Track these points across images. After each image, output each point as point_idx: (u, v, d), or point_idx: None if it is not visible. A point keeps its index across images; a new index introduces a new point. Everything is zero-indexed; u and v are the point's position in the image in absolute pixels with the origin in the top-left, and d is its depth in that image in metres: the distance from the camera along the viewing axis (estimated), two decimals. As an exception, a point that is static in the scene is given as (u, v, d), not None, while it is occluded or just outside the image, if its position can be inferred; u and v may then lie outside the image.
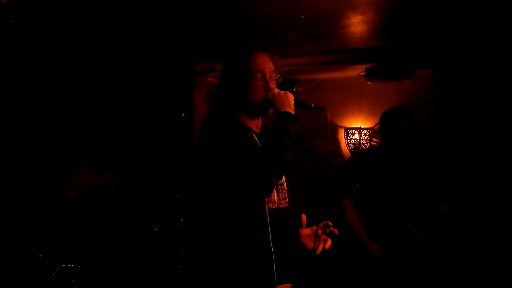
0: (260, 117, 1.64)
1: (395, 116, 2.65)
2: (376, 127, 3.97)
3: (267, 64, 1.58)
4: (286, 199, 1.63)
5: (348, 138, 4.01)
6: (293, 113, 1.52)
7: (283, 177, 1.65)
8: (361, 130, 3.96)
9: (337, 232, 1.65)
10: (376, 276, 2.53)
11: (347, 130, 4.04)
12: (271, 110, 1.57)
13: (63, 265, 2.54)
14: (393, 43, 3.19)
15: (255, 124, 1.62)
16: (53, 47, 3.34)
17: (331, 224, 1.66)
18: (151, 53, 3.65)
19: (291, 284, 1.57)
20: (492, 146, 3.30)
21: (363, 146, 3.94)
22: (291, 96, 1.55)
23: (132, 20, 2.84)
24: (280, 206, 1.58)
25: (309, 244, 1.67)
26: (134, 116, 4.09)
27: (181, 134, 3.99)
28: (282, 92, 1.54)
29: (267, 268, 1.48)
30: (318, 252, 1.63)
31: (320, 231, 1.67)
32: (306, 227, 1.70)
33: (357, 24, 2.76)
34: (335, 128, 4.14)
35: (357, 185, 2.54)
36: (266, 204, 1.52)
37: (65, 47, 3.37)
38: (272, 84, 1.57)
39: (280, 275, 1.51)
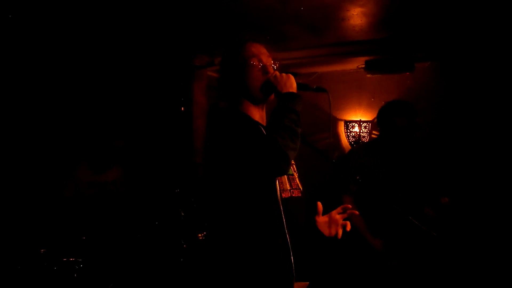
0: (264, 107, 1.63)
1: (394, 113, 2.60)
2: (376, 120, 3.97)
3: (262, 50, 1.58)
4: (298, 188, 1.61)
5: (348, 131, 4.01)
6: (296, 92, 1.52)
7: (293, 165, 1.64)
8: (361, 123, 3.96)
9: (357, 212, 1.66)
10: (378, 269, 2.54)
11: (347, 123, 4.04)
12: (273, 95, 1.56)
13: (65, 259, 2.55)
14: (393, 36, 3.17)
15: (260, 116, 1.61)
16: (52, 44, 3.33)
17: (350, 206, 1.66)
18: (150, 48, 3.64)
19: (308, 283, 1.55)
20: (491, 138, 3.31)
21: (363, 139, 3.95)
22: (293, 78, 1.54)
23: (131, 15, 2.83)
24: (293, 195, 1.56)
25: (327, 231, 1.66)
26: (134, 111, 4.09)
27: (181, 128, 3.99)
28: (283, 74, 1.53)
29: (285, 259, 1.46)
30: (340, 236, 1.63)
31: (338, 216, 1.67)
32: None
33: (356, 16, 2.75)
34: (335, 121, 4.14)
35: (357, 177, 2.54)
36: (279, 194, 1.50)
37: (64, 44, 3.36)
38: (271, 68, 1.57)
39: (298, 266, 1.49)
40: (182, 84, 3.98)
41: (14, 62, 3.34)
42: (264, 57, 1.57)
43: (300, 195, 1.60)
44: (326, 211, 1.68)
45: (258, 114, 1.60)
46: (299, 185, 1.62)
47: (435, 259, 2.59)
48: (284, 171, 1.40)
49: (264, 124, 1.60)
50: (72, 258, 2.57)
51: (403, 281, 2.48)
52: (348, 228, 1.64)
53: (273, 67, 1.59)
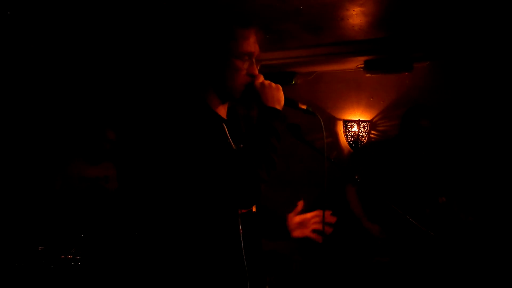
0: (227, 103, 1.39)
1: (420, 115, 2.71)
2: (374, 120, 3.98)
3: (256, 47, 1.32)
4: None
5: (347, 130, 4.01)
6: (281, 110, 1.31)
7: None
8: (360, 123, 3.96)
9: (334, 220, 1.52)
10: (370, 264, 2.58)
11: (345, 122, 4.04)
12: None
13: (62, 257, 2.55)
14: (392, 35, 3.18)
15: (223, 109, 1.38)
16: (46, 38, 3.31)
17: (331, 212, 1.53)
18: (145, 44, 3.63)
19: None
20: (490, 139, 3.31)
21: (362, 139, 3.95)
22: (281, 91, 1.33)
23: (126, 11, 2.82)
24: (252, 209, 1.39)
25: (296, 233, 1.54)
26: (128, 107, 4.06)
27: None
28: (273, 84, 1.32)
29: (240, 281, 1.29)
30: (316, 238, 1.52)
31: (312, 220, 1.55)
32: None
33: (356, 16, 2.75)
34: (334, 120, 4.13)
35: (356, 176, 2.55)
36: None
37: (57, 38, 3.34)
38: (256, 70, 1.32)
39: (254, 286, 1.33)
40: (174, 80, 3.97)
41: (4, 55, 3.33)
42: (256, 55, 1.32)
43: (253, 210, 1.41)
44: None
45: (222, 108, 1.37)
46: None
47: (431, 257, 2.60)
48: (250, 207, 1.26)
49: (226, 118, 1.39)
50: (65, 256, 2.56)
51: (396, 278, 2.50)
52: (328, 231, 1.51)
53: (257, 66, 1.35)
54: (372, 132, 3.99)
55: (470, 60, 3.43)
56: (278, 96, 1.31)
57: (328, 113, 4.13)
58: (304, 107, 1.41)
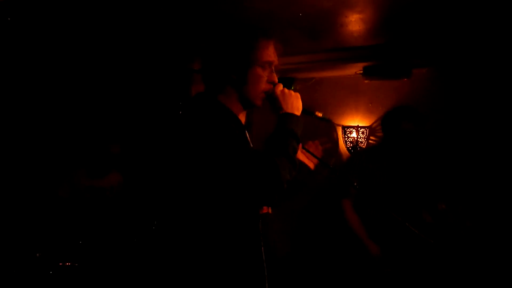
0: (247, 110, 1.49)
1: (402, 117, 2.54)
2: (373, 125, 3.98)
3: (276, 56, 1.43)
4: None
5: (346, 136, 4.01)
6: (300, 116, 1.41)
7: None
8: (359, 129, 3.97)
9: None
10: (373, 275, 2.53)
11: (344, 128, 4.04)
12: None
13: (60, 264, 2.54)
14: (391, 41, 3.19)
15: (243, 117, 1.48)
16: (53, 48, 3.33)
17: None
18: (148, 51, 3.64)
19: None
20: (490, 145, 3.31)
21: (361, 145, 3.95)
22: (300, 99, 1.44)
23: (129, 18, 2.83)
24: (269, 212, 1.53)
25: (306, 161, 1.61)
26: (132, 115, 4.08)
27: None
28: (292, 92, 1.43)
29: (259, 280, 1.35)
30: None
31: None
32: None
33: (355, 22, 2.76)
34: (333, 126, 4.14)
35: (355, 183, 2.53)
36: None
37: (64, 47, 3.35)
38: (276, 78, 1.44)
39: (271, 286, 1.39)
40: (180, 88, 3.98)
41: (14, 64, 3.34)
42: (275, 64, 1.43)
43: (270, 212, 1.57)
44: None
45: (242, 116, 1.46)
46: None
47: (432, 265, 2.59)
48: (276, 204, 1.32)
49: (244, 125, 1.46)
50: (68, 263, 2.55)
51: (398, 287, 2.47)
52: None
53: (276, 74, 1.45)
54: (371, 138, 3.99)
55: (468, 65, 3.44)
56: (297, 104, 1.42)
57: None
58: (320, 115, 1.53)
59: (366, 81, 3.81)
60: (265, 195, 1.21)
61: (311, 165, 1.62)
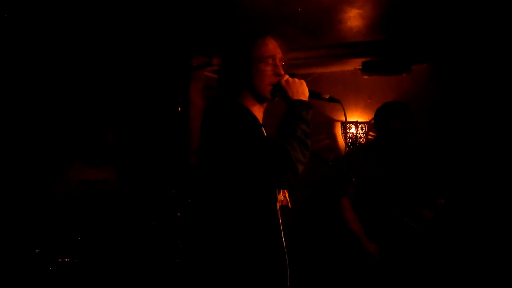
0: (264, 106, 1.57)
1: (390, 114, 2.53)
2: (372, 121, 3.98)
3: (278, 49, 1.53)
4: (286, 197, 1.65)
5: (345, 132, 4.02)
6: (307, 100, 1.46)
7: None
8: (358, 124, 3.97)
9: None
10: (374, 271, 2.53)
11: (343, 124, 4.05)
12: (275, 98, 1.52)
13: (60, 260, 2.54)
14: (390, 37, 3.19)
15: (259, 114, 1.55)
16: (48, 40, 3.30)
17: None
18: (147, 48, 3.63)
19: None
20: (488, 141, 3.32)
21: (360, 140, 3.95)
22: (305, 84, 1.49)
23: (128, 15, 2.82)
24: (284, 204, 1.60)
25: None
26: (130, 110, 4.07)
27: (177, 129, 3.98)
28: (296, 79, 1.49)
29: (281, 268, 1.45)
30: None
31: None
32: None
33: (354, 18, 2.75)
34: (332, 122, 4.14)
35: (353, 179, 2.52)
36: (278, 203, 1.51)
37: (61, 41, 3.34)
38: (282, 70, 1.51)
39: (293, 274, 1.48)
40: (179, 85, 3.98)
41: (4, 55, 3.31)
42: (278, 57, 1.51)
43: (289, 206, 1.65)
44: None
45: (259, 113, 1.54)
46: (287, 198, 1.67)
47: (432, 261, 2.60)
48: (292, 185, 1.32)
49: (262, 123, 1.56)
50: (65, 259, 2.55)
51: (399, 284, 2.48)
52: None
53: (283, 66, 1.53)
54: (370, 133, 3.99)
55: (468, 61, 3.44)
56: (302, 89, 1.47)
57: (326, 115, 4.14)
58: (327, 96, 1.59)
59: (365, 77, 3.81)
60: (277, 175, 1.28)
61: None
